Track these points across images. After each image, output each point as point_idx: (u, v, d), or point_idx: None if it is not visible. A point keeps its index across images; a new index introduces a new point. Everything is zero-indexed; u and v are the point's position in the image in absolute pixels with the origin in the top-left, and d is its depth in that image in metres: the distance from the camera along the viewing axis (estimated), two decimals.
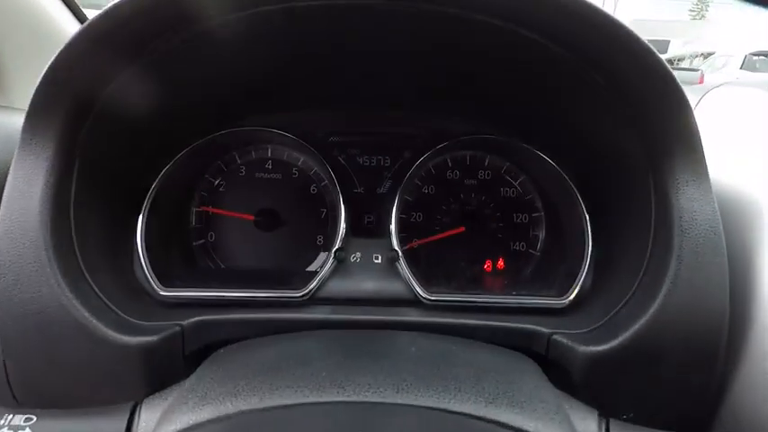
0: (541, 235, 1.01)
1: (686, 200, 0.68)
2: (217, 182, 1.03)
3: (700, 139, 0.70)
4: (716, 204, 0.69)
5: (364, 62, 0.82)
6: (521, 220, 1.02)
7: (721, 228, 0.68)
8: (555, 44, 0.66)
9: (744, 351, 0.70)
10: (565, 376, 0.71)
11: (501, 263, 1.01)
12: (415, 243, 1.00)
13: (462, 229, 0.99)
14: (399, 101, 0.96)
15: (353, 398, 0.51)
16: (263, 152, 1.03)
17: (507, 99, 0.88)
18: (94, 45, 0.62)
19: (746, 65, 10.96)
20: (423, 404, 0.51)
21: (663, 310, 0.66)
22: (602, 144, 0.82)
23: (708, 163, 0.70)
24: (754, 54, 11.08)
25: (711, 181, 0.70)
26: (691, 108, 0.69)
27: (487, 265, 1.01)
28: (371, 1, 0.62)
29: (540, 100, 0.84)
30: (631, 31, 0.62)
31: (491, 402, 0.53)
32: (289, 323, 0.79)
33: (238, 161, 1.03)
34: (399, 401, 0.52)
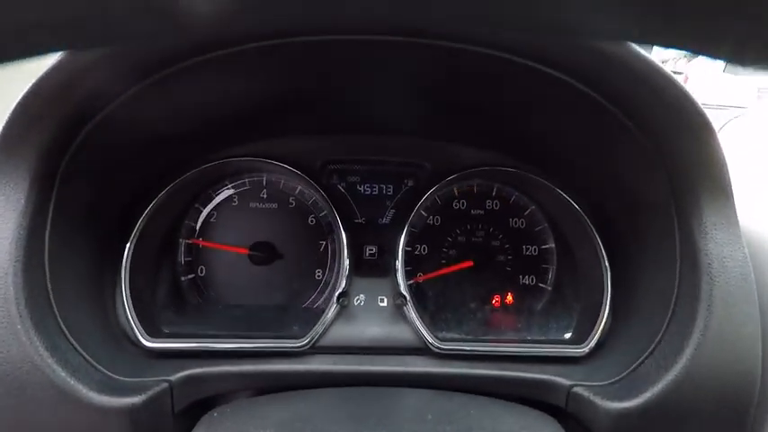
0: (552, 268, 0.97)
1: (715, 245, 0.65)
2: (207, 212, 0.96)
3: (728, 176, 0.66)
4: (746, 250, 0.65)
5: (369, 91, 0.76)
6: (530, 252, 0.97)
7: (752, 275, 0.64)
8: (574, 79, 0.62)
9: None
10: None
11: (510, 298, 0.96)
12: (421, 278, 0.94)
13: (471, 263, 0.94)
14: (403, 128, 0.90)
15: None
16: (258, 180, 0.96)
17: (519, 130, 0.83)
18: (87, 68, 0.56)
19: (728, 68, 11.15)
20: None
21: (692, 363, 0.62)
22: (621, 178, 0.78)
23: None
24: None
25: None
26: (718, 142, 0.65)
27: (496, 300, 0.96)
28: (389, 38, 0.56)
29: (553, 131, 0.79)
30: (653, 62, 0.58)
31: None
32: (289, 375, 0.73)
33: (232, 190, 0.96)
34: None
